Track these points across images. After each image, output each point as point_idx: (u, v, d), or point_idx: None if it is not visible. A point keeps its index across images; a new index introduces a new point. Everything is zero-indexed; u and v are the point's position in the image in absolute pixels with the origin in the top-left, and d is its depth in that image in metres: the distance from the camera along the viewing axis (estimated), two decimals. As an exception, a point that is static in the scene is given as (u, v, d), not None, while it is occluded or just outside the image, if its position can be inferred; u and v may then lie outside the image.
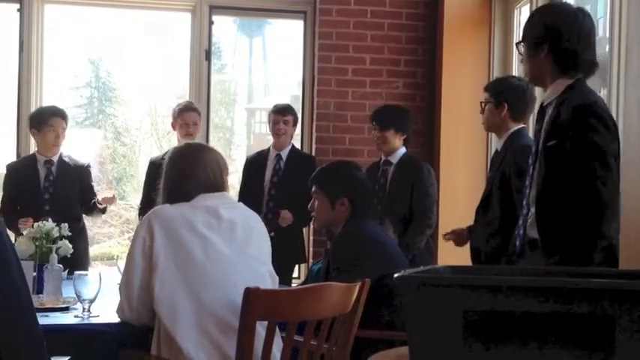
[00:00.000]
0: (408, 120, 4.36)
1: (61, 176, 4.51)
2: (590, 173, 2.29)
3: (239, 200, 2.65)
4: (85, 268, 4.27)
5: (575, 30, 2.45)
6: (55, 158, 4.54)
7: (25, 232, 3.37)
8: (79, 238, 4.52)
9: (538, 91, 4.16)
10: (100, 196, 4.49)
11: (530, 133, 3.70)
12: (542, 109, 2.57)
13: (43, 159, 4.52)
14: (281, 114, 4.73)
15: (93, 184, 4.69)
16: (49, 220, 3.42)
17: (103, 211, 4.64)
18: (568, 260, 2.30)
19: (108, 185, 4.54)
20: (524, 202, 2.61)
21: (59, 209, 4.39)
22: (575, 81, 2.46)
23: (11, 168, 4.62)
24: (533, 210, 2.52)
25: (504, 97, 3.45)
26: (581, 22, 2.47)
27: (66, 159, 4.58)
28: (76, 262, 4.06)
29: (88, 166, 4.73)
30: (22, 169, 4.54)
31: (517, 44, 2.62)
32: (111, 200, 4.47)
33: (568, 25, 2.46)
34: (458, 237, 3.70)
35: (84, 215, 4.66)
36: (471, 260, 3.57)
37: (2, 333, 1.30)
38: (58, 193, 4.48)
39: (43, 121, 4.47)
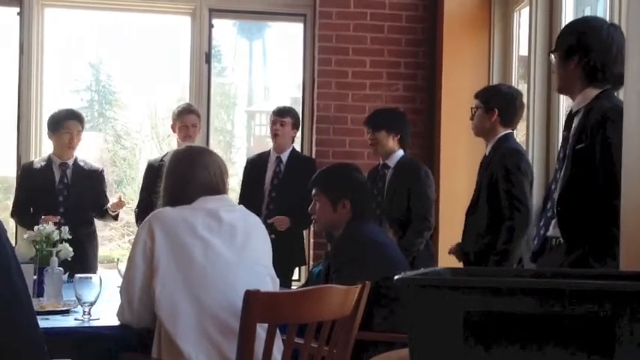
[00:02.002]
0: (401, 121, 4.36)
1: (75, 179, 4.57)
2: (616, 173, 2.32)
3: (240, 202, 2.66)
4: (94, 272, 4.29)
5: (606, 44, 2.52)
6: (71, 161, 4.59)
7: (26, 236, 3.37)
8: (90, 242, 4.58)
9: (538, 99, 4.17)
10: (109, 203, 4.55)
11: (517, 138, 3.76)
12: (571, 117, 2.63)
13: (58, 161, 4.58)
14: (279, 115, 4.74)
15: (105, 188, 4.75)
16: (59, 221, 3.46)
17: (115, 217, 4.70)
18: (590, 256, 2.36)
19: (115, 191, 4.62)
20: (549, 205, 2.65)
21: (72, 212, 4.45)
22: (603, 90, 2.52)
23: (27, 168, 4.66)
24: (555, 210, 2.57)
25: (494, 103, 3.56)
26: (613, 36, 2.53)
27: (81, 163, 4.64)
28: (85, 265, 4.09)
29: (102, 171, 4.80)
30: (38, 170, 4.58)
31: (550, 52, 2.69)
32: (120, 205, 4.52)
33: (600, 39, 2.52)
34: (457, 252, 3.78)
35: (95, 219, 4.71)
36: (462, 262, 3.61)
37: (2, 335, 1.30)
38: (71, 196, 4.53)
39: (59, 124, 4.55)
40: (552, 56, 2.67)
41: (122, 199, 4.55)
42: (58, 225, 3.87)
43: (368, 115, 4.48)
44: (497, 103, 3.55)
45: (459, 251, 3.71)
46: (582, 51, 2.53)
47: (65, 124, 4.54)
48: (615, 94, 2.59)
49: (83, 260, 4.27)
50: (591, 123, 2.44)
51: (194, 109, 4.78)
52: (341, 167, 3.44)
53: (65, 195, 4.52)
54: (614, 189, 2.32)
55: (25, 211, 4.46)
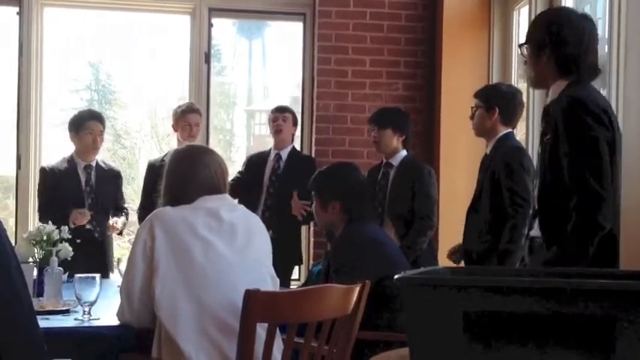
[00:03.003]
0: (405, 121, 4.36)
1: (99, 182, 4.53)
2: (579, 165, 2.29)
3: (233, 190, 2.65)
4: (112, 272, 4.30)
5: (577, 35, 2.47)
6: (94, 163, 4.54)
7: (25, 235, 3.36)
8: (110, 243, 4.57)
9: (538, 97, 4.17)
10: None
11: (517, 137, 3.77)
12: (546, 111, 2.59)
13: (83, 164, 4.52)
14: (279, 112, 4.78)
15: (123, 190, 4.75)
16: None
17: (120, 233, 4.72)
18: (564, 255, 2.31)
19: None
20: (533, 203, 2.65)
21: (99, 214, 4.44)
22: (572, 81, 2.48)
23: (49, 171, 4.53)
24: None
25: (495, 101, 3.56)
26: (584, 27, 2.49)
27: (102, 164, 4.61)
28: (107, 266, 4.09)
29: (120, 172, 4.78)
30: (62, 172, 4.49)
31: (520, 46, 2.64)
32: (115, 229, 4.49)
33: (571, 30, 2.48)
34: (456, 254, 3.76)
35: None
36: (464, 261, 3.61)
37: (2, 335, 1.30)
38: (98, 198, 4.50)
39: (81, 125, 4.47)
40: (523, 49, 2.60)
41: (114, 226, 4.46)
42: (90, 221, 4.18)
43: (373, 112, 4.47)
44: (498, 102, 3.54)
45: (458, 252, 3.71)
46: (555, 42, 2.48)
47: (87, 124, 4.46)
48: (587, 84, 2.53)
49: (106, 261, 4.28)
50: (553, 115, 2.41)
51: (196, 108, 4.77)
52: (335, 168, 3.39)
53: (92, 198, 4.48)
54: (577, 184, 2.28)
55: (54, 213, 4.28)
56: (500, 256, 3.32)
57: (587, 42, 2.48)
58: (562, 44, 2.46)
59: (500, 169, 3.40)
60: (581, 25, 2.49)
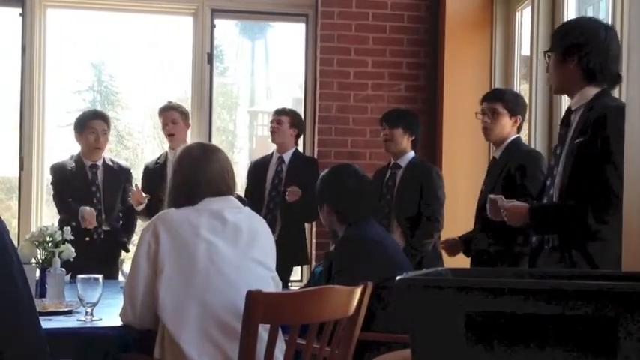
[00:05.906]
0: (416, 122, 4.37)
1: (106, 182, 4.54)
2: (615, 169, 2.35)
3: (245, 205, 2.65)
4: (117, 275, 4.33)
5: (604, 45, 2.57)
6: (100, 162, 4.55)
7: (28, 236, 3.36)
8: (118, 242, 4.57)
9: (540, 99, 4.17)
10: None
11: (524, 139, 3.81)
12: (568, 115, 2.66)
13: (88, 163, 4.53)
14: (275, 114, 4.76)
15: (130, 187, 4.69)
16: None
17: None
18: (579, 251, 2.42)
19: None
20: (545, 202, 2.67)
21: (108, 213, 4.46)
22: (602, 89, 2.58)
23: (59, 170, 4.55)
24: None
25: (520, 109, 3.64)
26: (609, 37, 2.59)
27: (109, 163, 4.61)
28: (113, 266, 4.11)
29: (130, 170, 4.78)
30: (71, 171, 4.51)
31: (545, 52, 2.72)
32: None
33: (598, 40, 2.57)
34: (450, 247, 3.75)
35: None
36: (472, 263, 3.60)
37: (4, 336, 1.30)
38: (105, 199, 4.51)
39: (84, 124, 4.50)
40: (546, 56, 2.69)
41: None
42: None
43: (385, 112, 4.46)
44: (521, 110, 3.63)
45: (453, 243, 3.71)
46: (581, 51, 2.57)
47: (90, 123, 4.49)
48: (611, 92, 2.64)
49: (114, 261, 4.30)
50: (592, 118, 2.47)
51: (173, 104, 4.77)
52: (330, 172, 3.33)
53: (98, 198, 4.49)
54: (603, 185, 2.38)
55: (69, 207, 4.40)
56: (513, 259, 3.32)
57: (613, 52, 2.58)
58: (589, 53, 2.56)
59: (517, 171, 3.42)
60: (607, 36, 2.59)
